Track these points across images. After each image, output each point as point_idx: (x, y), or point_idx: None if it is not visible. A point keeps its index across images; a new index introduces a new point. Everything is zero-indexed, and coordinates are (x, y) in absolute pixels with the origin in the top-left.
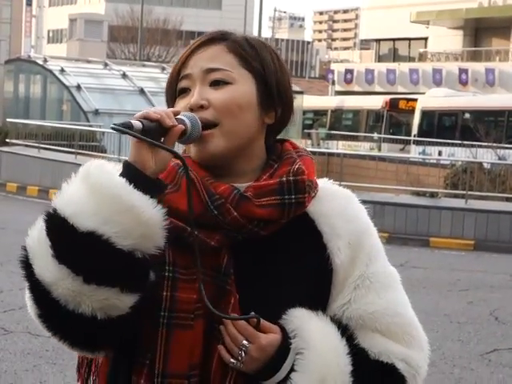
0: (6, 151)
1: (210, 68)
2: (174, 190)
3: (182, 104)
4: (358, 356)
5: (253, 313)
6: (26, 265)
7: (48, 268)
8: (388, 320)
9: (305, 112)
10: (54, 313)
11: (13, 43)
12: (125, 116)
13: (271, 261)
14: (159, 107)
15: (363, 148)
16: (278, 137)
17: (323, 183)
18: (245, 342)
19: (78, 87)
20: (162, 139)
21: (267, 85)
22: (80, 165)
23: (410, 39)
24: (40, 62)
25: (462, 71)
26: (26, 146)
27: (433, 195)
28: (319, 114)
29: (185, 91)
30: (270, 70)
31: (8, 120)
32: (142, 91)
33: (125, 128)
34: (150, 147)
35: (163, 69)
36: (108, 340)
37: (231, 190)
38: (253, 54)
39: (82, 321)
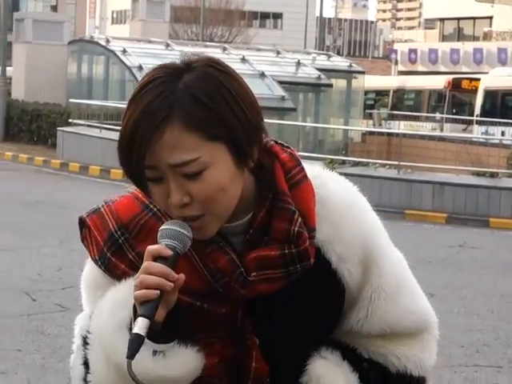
0: (69, 131)
1: (177, 164)
2: None
3: (158, 194)
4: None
5: None
6: None
7: None
8: (406, 323)
9: (366, 92)
10: None
11: (77, 24)
12: None
13: (286, 305)
14: (152, 264)
15: (425, 128)
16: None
17: (317, 181)
18: None
19: (140, 68)
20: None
21: (235, 139)
22: None
23: (474, 18)
24: (102, 42)
25: None
26: (88, 126)
27: (493, 175)
28: (381, 94)
29: (155, 179)
30: (231, 121)
31: (71, 100)
32: None
33: (136, 346)
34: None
35: (224, 49)
36: None
37: (233, 267)
38: (208, 117)
39: None
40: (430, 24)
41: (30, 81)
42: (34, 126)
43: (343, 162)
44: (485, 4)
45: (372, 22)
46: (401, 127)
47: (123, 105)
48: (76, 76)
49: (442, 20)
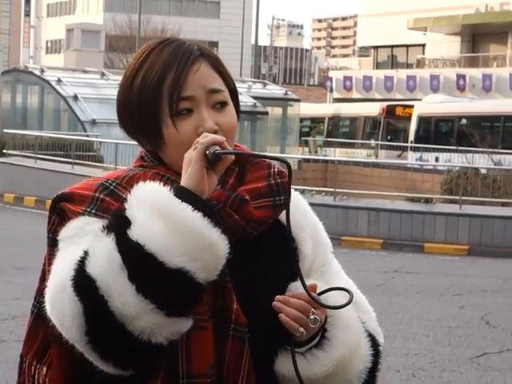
0: (3, 162)
1: (213, 89)
2: None
3: (187, 125)
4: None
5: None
6: (92, 295)
7: (130, 302)
8: (356, 298)
9: (302, 120)
10: (121, 342)
11: (12, 54)
12: None
13: (258, 258)
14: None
15: (360, 155)
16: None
17: None
18: (313, 310)
19: (75, 97)
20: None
21: (235, 94)
22: (77, 175)
23: (407, 46)
24: (37, 72)
25: (460, 77)
26: (23, 156)
27: (427, 201)
28: (316, 121)
29: (186, 111)
30: (233, 81)
31: (5, 131)
32: None
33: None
34: (208, 174)
35: None
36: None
37: (227, 194)
38: (225, 69)
39: (148, 348)
40: (364, 52)
41: None
42: None
43: None
44: (417, 32)
45: (307, 50)
46: (336, 154)
47: (58, 135)
48: (10, 106)
49: (376, 48)
